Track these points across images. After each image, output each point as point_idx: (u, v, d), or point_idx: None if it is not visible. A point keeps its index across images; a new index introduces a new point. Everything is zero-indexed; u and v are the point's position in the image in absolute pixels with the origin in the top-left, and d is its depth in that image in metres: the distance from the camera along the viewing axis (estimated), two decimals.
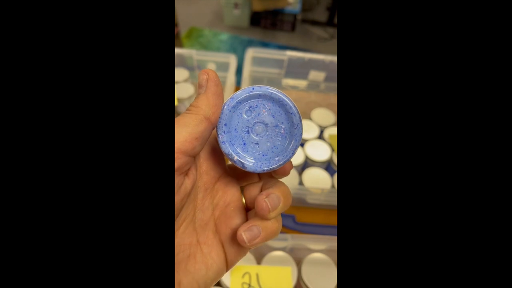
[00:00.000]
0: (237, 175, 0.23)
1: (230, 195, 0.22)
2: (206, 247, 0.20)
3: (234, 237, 0.20)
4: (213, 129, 0.20)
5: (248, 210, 0.22)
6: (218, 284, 0.45)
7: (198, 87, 0.20)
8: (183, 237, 0.19)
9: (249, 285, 0.43)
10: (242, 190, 0.22)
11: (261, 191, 0.21)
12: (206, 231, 0.20)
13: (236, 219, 0.21)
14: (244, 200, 0.22)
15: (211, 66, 0.77)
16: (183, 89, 0.70)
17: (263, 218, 0.19)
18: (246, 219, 0.21)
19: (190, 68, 0.77)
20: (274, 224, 0.19)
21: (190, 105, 0.19)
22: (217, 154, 0.22)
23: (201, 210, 0.20)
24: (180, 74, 0.74)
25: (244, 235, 0.19)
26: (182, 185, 0.18)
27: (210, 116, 0.19)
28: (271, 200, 0.19)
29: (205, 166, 0.22)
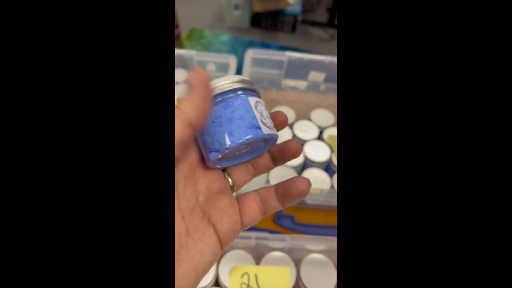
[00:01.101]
0: None
1: (211, 180, 0.22)
2: (197, 233, 0.20)
3: (225, 217, 0.21)
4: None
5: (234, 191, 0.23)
6: (217, 284, 0.45)
7: (189, 86, 0.19)
8: None
9: (248, 285, 0.43)
10: (225, 172, 0.24)
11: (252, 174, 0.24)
12: (194, 218, 0.20)
13: (224, 199, 0.22)
14: (230, 181, 0.23)
15: (211, 67, 0.77)
16: (183, 90, 0.70)
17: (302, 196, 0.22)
18: (233, 199, 0.22)
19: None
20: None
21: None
22: (191, 141, 0.23)
23: (184, 199, 0.20)
24: (180, 75, 0.75)
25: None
26: None
27: (194, 122, 0.18)
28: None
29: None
